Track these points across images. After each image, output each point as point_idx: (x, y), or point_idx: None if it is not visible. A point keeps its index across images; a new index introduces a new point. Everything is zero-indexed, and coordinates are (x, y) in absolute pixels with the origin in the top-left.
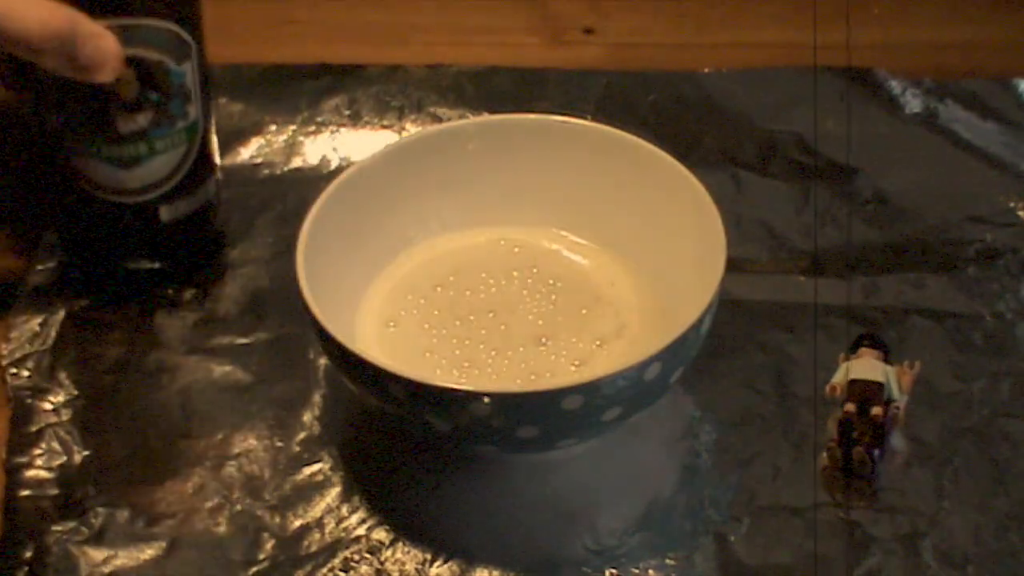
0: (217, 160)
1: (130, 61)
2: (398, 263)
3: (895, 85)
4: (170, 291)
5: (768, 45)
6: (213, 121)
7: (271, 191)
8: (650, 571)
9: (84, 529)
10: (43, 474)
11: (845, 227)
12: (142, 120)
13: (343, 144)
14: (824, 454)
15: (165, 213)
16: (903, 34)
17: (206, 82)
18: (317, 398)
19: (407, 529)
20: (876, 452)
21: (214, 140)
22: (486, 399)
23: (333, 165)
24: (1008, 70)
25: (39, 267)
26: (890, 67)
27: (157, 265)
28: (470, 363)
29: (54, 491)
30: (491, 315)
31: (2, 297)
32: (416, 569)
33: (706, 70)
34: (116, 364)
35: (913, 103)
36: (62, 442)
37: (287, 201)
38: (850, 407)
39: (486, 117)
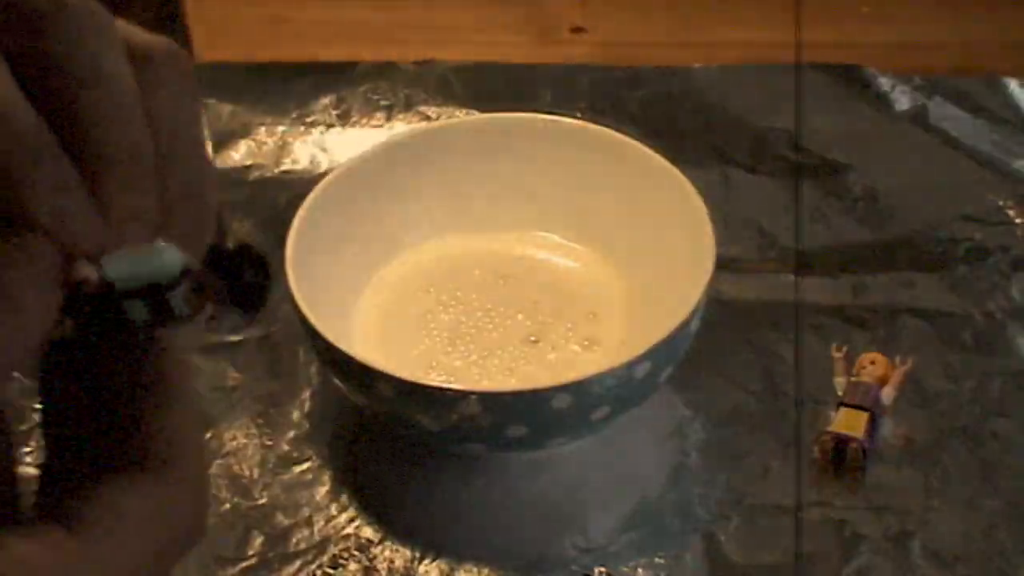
0: (216, 178)
1: None
2: (388, 264)
3: (884, 82)
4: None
5: (758, 44)
6: (207, 138)
7: (261, 192)
8: (639, 570)
9: None
10: (32, 472)
11: (835, 225)
12: None
13: (332, 144)
14: (815, 447)
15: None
16: (892, 32)
17: (198, 105)
18: (307, 397)
19: (396, 527)
20: (868, 444)
21: (211, 161)
22: (475, 398)
23: (323, 166)
24: (997, 68)
25: None
26: (879, 65)
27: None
28: (460, 363)
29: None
30: (481, 316)
31: None
32: (404, 566)
33: (696, 65)
34: None
35: (902, 100)
36: None
37: (277, 202)
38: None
39: (475, 116)
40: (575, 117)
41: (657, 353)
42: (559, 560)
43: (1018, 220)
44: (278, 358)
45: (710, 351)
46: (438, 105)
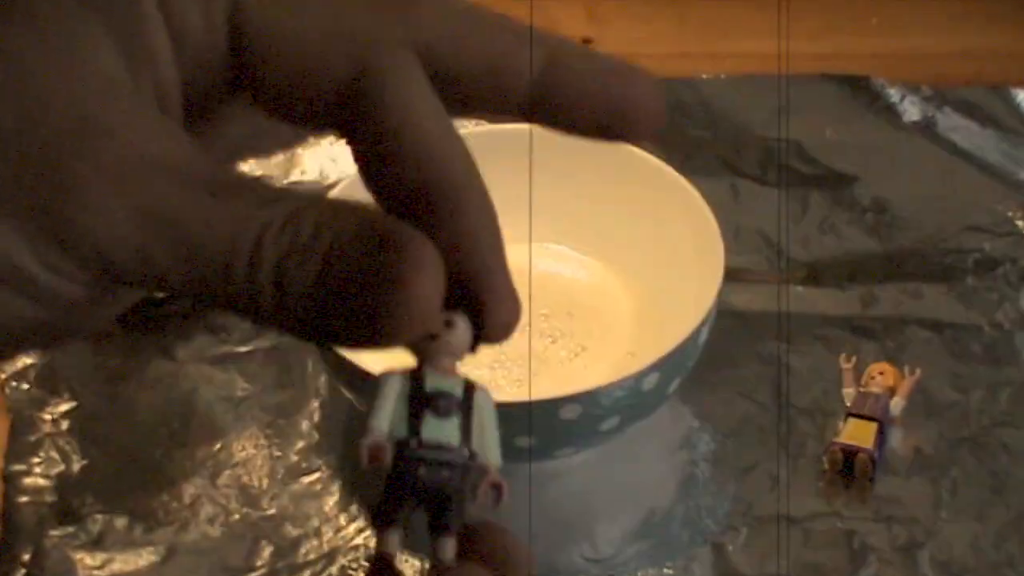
0: None
1: None
2: None
3: (893, 93)
4: (169, 301)
5: (766, 55)
6: None
7: None
8: None
9: (82, 535)
10: (41, 482)
11: (843, 236)
12: None
13: (342, 155)
14: (824, 458)
15: None
16: (901, 43)
17: None
18: (315, 407)
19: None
20: (877, 454)
21: None
22: None
23: (332, 177)
24: (1006, 79)
25: None
26: (888, 75)
27: (164, 295)
28: (469, 374)
29: (52, 498)
30: None
31: None
32: None
33: (704, 76)
34: (115, 374)
35: (911, 111)
36: (61, 451)
37: None
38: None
39: (484, 127)
40: None
41: (666, 364)
42: (568, 570)
43: None
44: (287, 368)
45: (719, 362)
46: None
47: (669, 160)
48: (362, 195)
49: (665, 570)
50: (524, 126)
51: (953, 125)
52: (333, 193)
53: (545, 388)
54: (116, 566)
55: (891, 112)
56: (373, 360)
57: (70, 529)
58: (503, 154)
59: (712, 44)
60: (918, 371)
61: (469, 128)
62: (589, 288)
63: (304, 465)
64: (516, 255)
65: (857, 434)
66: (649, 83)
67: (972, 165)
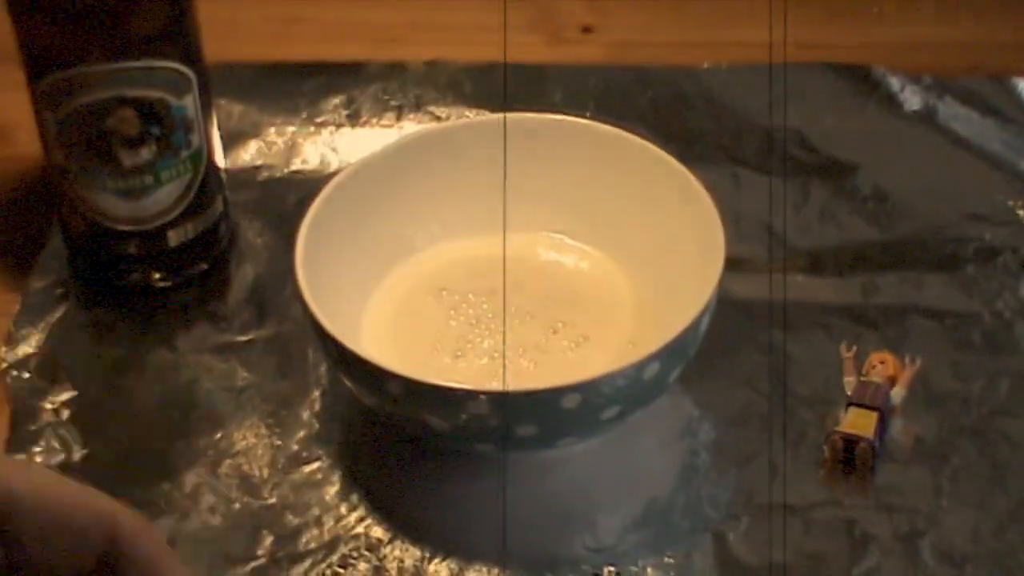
0: (223, 176)
1: (131, 101)
2: (398, 263)
3: (894, 82)
4: (170, 290)
5: (767, 44)
6: (217, 138)
7: (271, 192)
8: (649, 569)
9: None
10: None
11: (844, 225)
12: (146, 154)
13: (342, 144)
14: (825, 447)
15: (173, 237)
16: (902, 32)
17: (209, 105)
18: (316, 396)
19: (405, 527)
20: (877, 443)
21: (219, 157)
22: (485, 398)
23: (333, 166)
24: (1007, 68)
25: (41, 268)
26: (889, 65)
27: (167, 284)
28: (470, 363)
29: None
30: (491, 317)
31: (4, 297)
32: (414, 566)
33: (705, 65)
34: (116, 363)
35: (912, 100)
36: (62, 440)
37: (287, 202)
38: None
39: (485, 116)
40: (585, 117)
41: (667, 353)
42: (568, 559)
43: None
44: (288, 358)
45: (720, 351)
46: (448, 105)
47: (669, 149)
48: (365, 185)
49: (666, 559)
50: (525, 116)
51: (954, 114)
52: (335, 181)
53: (546, 377)
54: None
55: (892, 101)
56: (376, 354)
57: None
58: (510, 143)
59: (713, 33)
60: (919, 360)
61: (470, 118)
62: (590, 278)
63: (305, 454)
64: (514, 244)
65: (858, 423)
66: None
67: (973, 154)
